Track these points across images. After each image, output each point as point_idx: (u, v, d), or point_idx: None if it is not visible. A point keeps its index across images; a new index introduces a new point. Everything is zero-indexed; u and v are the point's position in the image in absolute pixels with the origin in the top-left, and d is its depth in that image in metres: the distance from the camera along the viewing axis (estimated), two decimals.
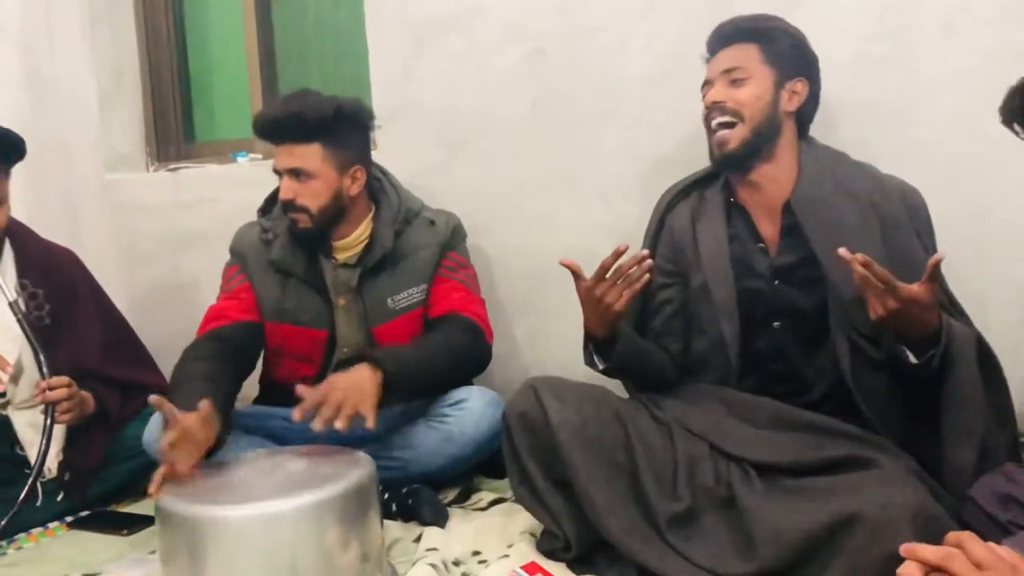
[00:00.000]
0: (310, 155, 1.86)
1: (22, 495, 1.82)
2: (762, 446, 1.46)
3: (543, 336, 2.27)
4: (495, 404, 1.85)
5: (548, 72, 2.18)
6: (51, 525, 1.93)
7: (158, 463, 1.88)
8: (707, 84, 1.66)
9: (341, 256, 1.96)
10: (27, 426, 1.93)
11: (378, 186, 2.02)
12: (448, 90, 2.31)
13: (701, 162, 1.77)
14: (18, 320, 1.86)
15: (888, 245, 1.49)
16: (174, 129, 3.07)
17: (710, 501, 1.44)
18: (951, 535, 0.82)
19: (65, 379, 1.88)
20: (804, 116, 1.64)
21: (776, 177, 1.60)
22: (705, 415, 1.55)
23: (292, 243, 1.94)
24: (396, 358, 1.73)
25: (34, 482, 1.86)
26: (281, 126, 1.86)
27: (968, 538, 0.81)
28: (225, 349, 1.86)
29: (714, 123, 1.61)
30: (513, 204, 2.25)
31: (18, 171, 1.96)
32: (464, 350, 1.90)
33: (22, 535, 1.87)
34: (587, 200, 2.16)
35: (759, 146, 1.59)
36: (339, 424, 1.54)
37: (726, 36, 1.65)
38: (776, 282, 1.58)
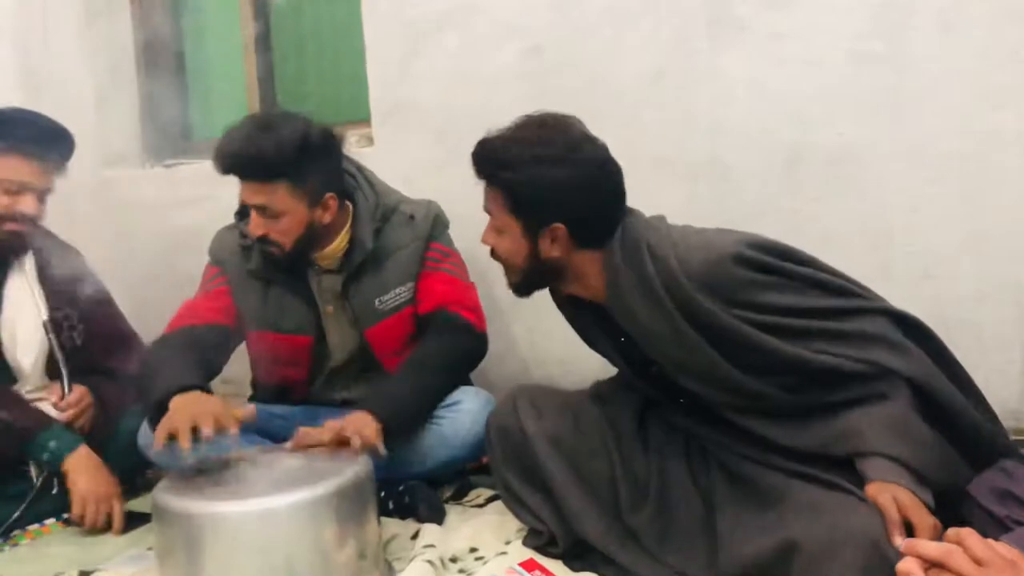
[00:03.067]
0: (276, 194, 1.75)
1: (26, 502, 1.85)
2: (739, 437, 1.47)
3: (540, 334, 2.27)
4: (489, 405, 1.83)
5: (544, 70, 2.18)
6: (47, 522, 1.92)
7: (152, 463, 1.90)
8: None
9: (323, 263, 1.91)
10: None
11: (353, 184, 1.93)
12: (445, 88, 2.31)
13: (696, 161, 1.78)
14: (49, 338, 1.93)
15: (698, 328, 1.37)
16: (170, 126, 3.07)
17: (682, 502, 1.48)
18: (951, 531, 0.82)
19: (80, 393, 1.93)
20: (590, 237, 1.44)
21: (591, 290, 1.49)
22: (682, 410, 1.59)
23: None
24: (391, 403, 1.71)
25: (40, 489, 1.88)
26: (243, 164, 1.75)
27: (968, 534, 0.81)
28: (196, 345, 1.81)
29: None
30: None
31: None
32: (454, 355, 1.88)
33: (17, 532, 1.87)
34: None
35: (542, 282, 1.52)
36: (355, 442, 1.52)
37: (480, 171, 1.48)
38: (653, 368, 1.54)
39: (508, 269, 1.51)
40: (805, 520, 1.25)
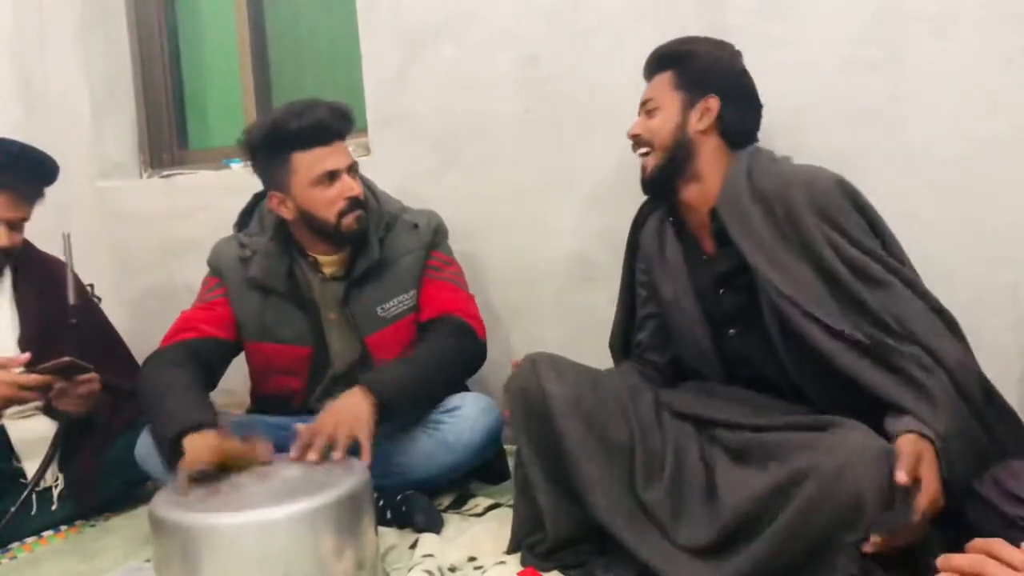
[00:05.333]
0: (348, 150, 1.90)
1: (16, 504, 1.85)
2: (737, 411, 1.53)
3: (538, 342, 2.26)
4: (489, 410, 1.84)
5: (541, 78, 2.18)
6: (45, 534, 1.92)
7: (151, 476, 1.90)
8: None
9: (328, 270, 1.94)
10: (24, 438, 1.93)
11: None
12: (441, 96, 2.31)
13: None
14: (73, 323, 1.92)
15: (800, 239, 1.48)
16: (167, 136, 3.08)
17: (694, 480, 1.48)
18: (979, 541, 0.84)
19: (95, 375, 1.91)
20: (731, 129, 1.63)
21: (701, 195, 1.62)
22: (687, 397, 1.63)
23: (271, 260, 1.92)
24: (388, 380, 1.72)
25: (31, 489, 1.87)
26: (331, 124, 1.84)
27: (997, 543, 0.82)
28: (194, 360, 1.82)
29: (637, 154, 1.68)
30: (506, 210, 2.25)
31: None
32: (456, 354, 1.89)
33: (16, 544, 1.87)
34: (580, 206, 2.17)
35: (675, 169, 1.62)
36: (336, 455, 1.53)
37: (648, 67, 1.70)
38: (721, 291, 1.61)
39: (651, 153, 1.64)
40: (808, 453, 1.30)
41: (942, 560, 0.84)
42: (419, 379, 1.79)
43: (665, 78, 1.66)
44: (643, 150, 1.66)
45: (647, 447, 1.53)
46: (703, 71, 1.64)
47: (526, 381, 1.57)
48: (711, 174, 1.61)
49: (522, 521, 1.58)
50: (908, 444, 1.26)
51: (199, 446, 1.52)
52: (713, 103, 1.61)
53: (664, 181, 1.65)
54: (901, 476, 1.21)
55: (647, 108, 1.66)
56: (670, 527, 1.43)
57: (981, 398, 1.41)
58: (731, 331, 1.62)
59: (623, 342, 1.87)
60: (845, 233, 1.47)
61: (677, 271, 1.67)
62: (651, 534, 1.44)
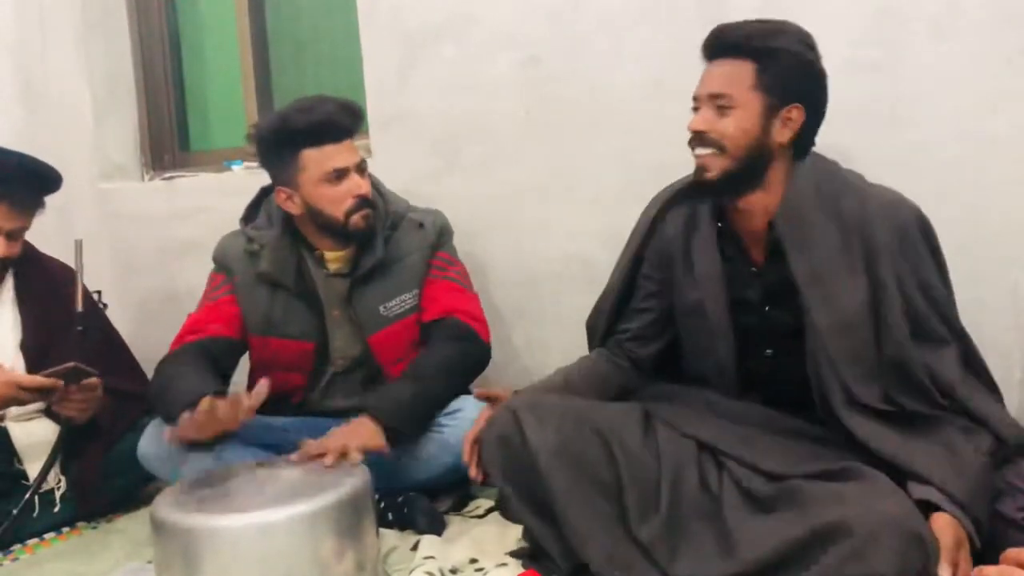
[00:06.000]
0: (356, 148, 1.90)
1: (19, 508, 1.85)
2: (753, 447, 1.45)
3: (539, 343, 2.27)
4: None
5: (542, 79, 2.18)
6: (47, 535, 1.93)
7: (153, 476, 1.91)
8: (695, 100, 1.50)
9: (333, 266, 1.95)
10: (26, 440, 1.93)
11: None
12: (442, 97, 2.31)
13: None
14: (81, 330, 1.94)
15: (870, 273, 1.41)
16: (169, 138, 3.08)
17: (694, 508, 1.42)
18: (1011, 552, 0.84)
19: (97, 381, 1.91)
20: (805, 139, 1.49)
21: (765, 203, 1.49)
22: (694, 416, 1.55)
23: (281, 254, 1.92)
24: (393, 405, 1.73)
25: (34, 492, 1.88)
26: (341, 121, 1.85)
27: None
28: (205, 358, 1.85)
29: (695, 151, 1.48)
30: (507, 211, 2.26)
31: None
32: (460, 360, 1.88)
33: (17, 546, 1.87)
34: (581, 207, 2.17)
35: (746, 177, 1.46)
36: (354, 457, 1.55)
37: (722, 46, 1.47)
38: (767, 308, 1.53)
39: (720, 155, 1.44)
40: (836, 505, 1.25)
41: (975, 572, 0.85)
42: (424, 396, 1.79)
43: (743, 71, 1.43)
44: (707, 150, 1.45)
45: (639, 480, 1.44)
46: (791, 71, 1.43)
47: (507, 431, 1.50)
48: (776, 183, 1.47)
49: (530, 545, 1.57)
50: (948, 533, 1.23)
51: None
52: (797, 114, 1.44)
53: (730, 189, 1.48)
54: (944, 572, 1.18)
55: (719, 103, 1.44)
56: (669, 565, 1.37)
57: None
58: (768, 351, 1.53)
59: (607, 326, 1.77)
60: (921, 280, 1.42)
61: (709, 279, 1.55)
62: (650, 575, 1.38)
